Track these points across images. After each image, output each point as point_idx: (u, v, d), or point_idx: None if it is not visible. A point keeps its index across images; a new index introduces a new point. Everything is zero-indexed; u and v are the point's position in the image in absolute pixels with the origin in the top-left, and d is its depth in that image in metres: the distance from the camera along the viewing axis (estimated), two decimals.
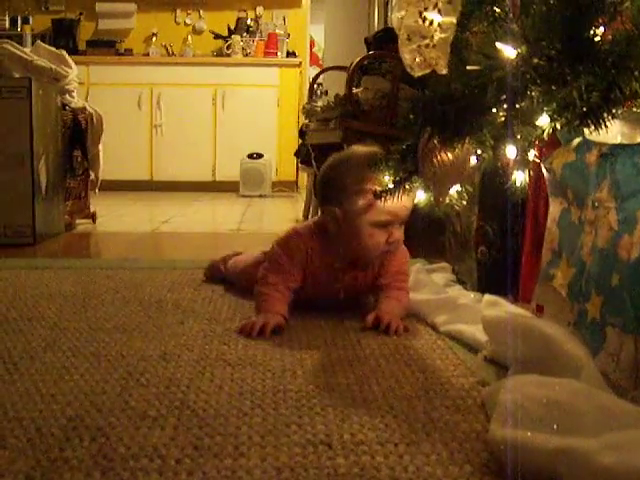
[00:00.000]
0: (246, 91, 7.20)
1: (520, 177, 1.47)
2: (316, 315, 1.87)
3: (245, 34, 7.52)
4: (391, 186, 1.67)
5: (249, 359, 1.50)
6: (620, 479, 0.87)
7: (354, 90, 3.69)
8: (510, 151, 1.18)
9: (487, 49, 1.17)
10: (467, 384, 1.38)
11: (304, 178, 7.51)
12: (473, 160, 1.46)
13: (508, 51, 1.13)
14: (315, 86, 5.08)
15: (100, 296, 2.12)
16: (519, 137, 1.26)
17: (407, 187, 1.63)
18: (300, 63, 7.48)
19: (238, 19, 7.58)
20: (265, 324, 1.70)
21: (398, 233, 1.81)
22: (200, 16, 7.69)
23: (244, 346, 1.60)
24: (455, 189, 1.48)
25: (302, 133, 4.65)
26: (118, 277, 2.43)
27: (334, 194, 1.80)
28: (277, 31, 7.54)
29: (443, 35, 1.23)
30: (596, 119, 1.17)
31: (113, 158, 5.55)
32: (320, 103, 4.31)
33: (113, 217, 4.67)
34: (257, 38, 7.51)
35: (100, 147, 4.21)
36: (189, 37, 7.63)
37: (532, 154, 1.46)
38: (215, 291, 2.19)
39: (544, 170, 1.58)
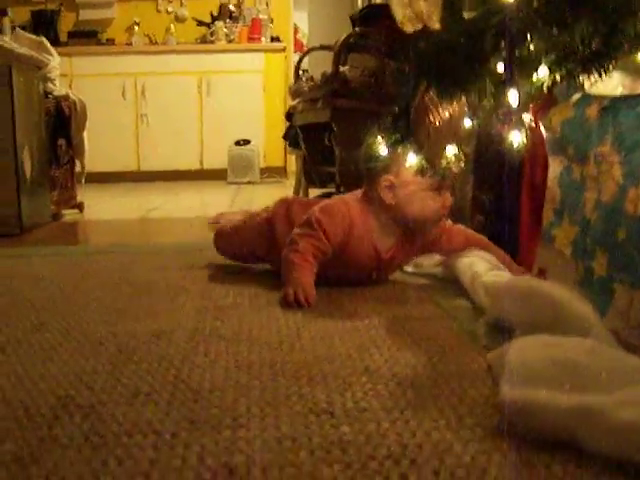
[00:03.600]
0: (231, 77, 7.12)
1: (517, 138, 1.42)
2: None
3: (228, 20, 7.43)
4: (385, 150, 1.62)
5: (244, 334, 1.45)
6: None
7: (341, 68, 3.64)
8: (512, 98, 1.12)
9: None
10: (472, 350, 1.33)
11: (292, 164, 7.45)
12: (467, 123, 1.42)
13: None
14: (300, 72, 5.01)
15: (89, 279, 2.06)
16: (518, 91, 1.22)
17: (401, 150, 1.59)
18: (285, 48, 7.40)
19: (221, 5, 7.49)
20: (306, 296, 1.66)
21: (451, 199, 1.77)
22: (182, 4, 7.59)
23: (239, 321, 1.55)
24: (451, 150, 1.43)
25: (289, 115, 4.59)
26: (107, 261, 2.37)
27: (383, 168, 1.75)
28: (260, 16, 7.45)
29: None
30: (599, 65, 1.12)
31: (99, 149, 5.49)
32: (307, 83, 4.25)
33: (100, 207, 4.60)
34: (240, 24, 7.42)
35: (84, 135, 4.14)
36: (172, 25, 7.53)
37: (528, 117, 1.42)
38: (207, 271, 2.13)
39: (542, 129, 1.53)
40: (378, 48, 3.59)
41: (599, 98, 1.35)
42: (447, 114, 1.33)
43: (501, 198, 2.03)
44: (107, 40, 7.43)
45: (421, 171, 1.60)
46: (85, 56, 7.04)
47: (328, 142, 3.93)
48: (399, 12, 1.24)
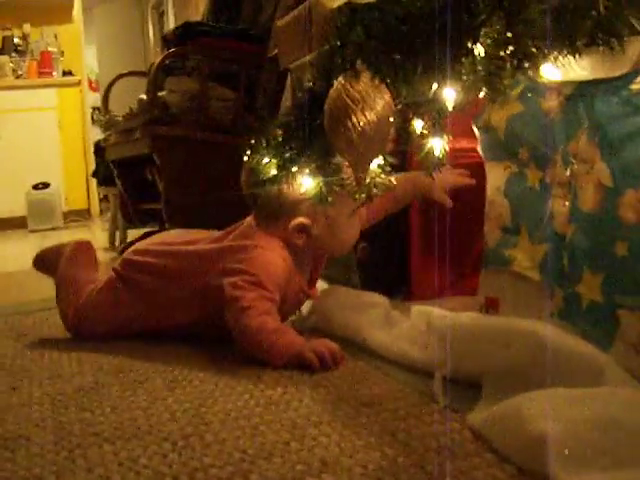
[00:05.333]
0: (22, 116, 6.51)
1: (438, 144, 1.16)
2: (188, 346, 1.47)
3: (14, 54, 6.82)
4: (274, 172, 1.32)
5: (129, 427, 1.07)
6: None
7: (159, 93, 3.29)
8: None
9: None
10: (434, 414, 1.03)
11: (96, 205, 6.96)
12: None
13: None
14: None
15: None
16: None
17: (293, 171, 1.30)
18: (79, 82, 6.91)
19: (4, 38, 6.85)
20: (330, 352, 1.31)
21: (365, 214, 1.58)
22: None
23: (113, 409, 1.16)
24: (376, 162, 1.14)
25: (99, 150, 4.15)
26: None
27: (288, 207, 1.48)
28: (50, 49, 6.90)
29: None
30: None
31: None
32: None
33: None
34: (28, 58, 6.84)
35: None
36: None
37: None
38: (45, 339, 1.70)
39: (475, 131, 1.26)
40: (199, 69, 3.28)
41: (558, 86, 1.09)
42: (374, 115, 1.03)
43: (389, 221, 1.75)
44: None
45: (320, 199, 1.29)
46: None
47: (149, 176, 3.57)
48: None
